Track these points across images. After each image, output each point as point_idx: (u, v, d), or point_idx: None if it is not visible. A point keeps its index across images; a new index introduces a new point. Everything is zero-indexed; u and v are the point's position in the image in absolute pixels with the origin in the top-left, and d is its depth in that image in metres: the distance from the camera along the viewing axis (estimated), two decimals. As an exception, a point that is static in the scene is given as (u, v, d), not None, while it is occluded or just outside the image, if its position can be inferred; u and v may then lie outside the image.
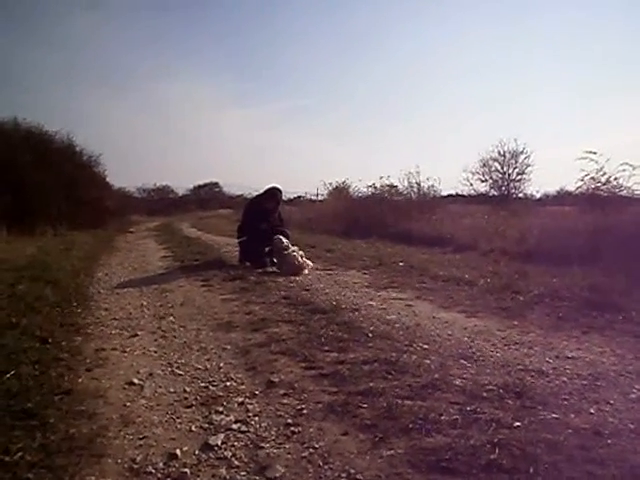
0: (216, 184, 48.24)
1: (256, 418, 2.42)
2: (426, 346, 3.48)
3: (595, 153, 9.47)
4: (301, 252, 7.16)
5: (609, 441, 2.07)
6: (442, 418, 2.28)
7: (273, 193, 7.88)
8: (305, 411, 2.46)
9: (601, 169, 9.54)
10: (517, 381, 2.76)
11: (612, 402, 2.50)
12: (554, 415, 2.31)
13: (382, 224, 12.71)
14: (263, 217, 7.67)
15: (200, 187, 47.98)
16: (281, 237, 7.21)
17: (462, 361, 3.17)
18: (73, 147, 17.92)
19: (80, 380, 2.98)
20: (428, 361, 3.14)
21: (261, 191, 8.16)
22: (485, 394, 2.57)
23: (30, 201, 13.43)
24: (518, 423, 2.21)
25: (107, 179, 21.04)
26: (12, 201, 12.76)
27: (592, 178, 9.83)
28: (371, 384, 2.73)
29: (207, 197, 45.91)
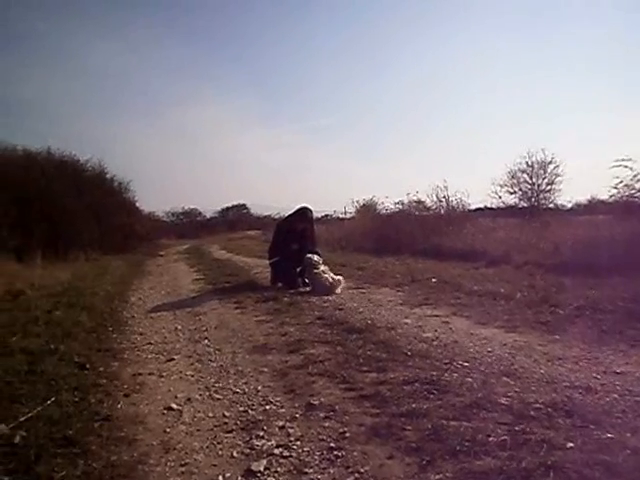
0: (243, 205, 48.60)
1: (298, 442, 2.39)
2: (466, 364, 3.41)
3: (630, 159, 9.26)
4: (327, 267, 7.15)
5: (670, 461, 1.97)
6: (490, 439, 2.21)
7: (303, 213, 7.90)
8: (348, 434, 2.42)
9: (636, 175, 9.30)
10: (565, 399, 2.67)
11: (669, 419, 2.39)
12: (609, 435, 2.21)
13: (412, 240, 12.57)
14: (294, 237, 7.66)
15: (228, 209, 48.38)
16: (311, 256, 7.20)
17: (505, 378, 3.08)
18: (104, 174, 18.37)
19: (119, 406, 3.01)
20: (470, 379, 3.07)
21: (291, 211, 8.17)
22: (533, 413, 2.48)
23: (63, 228, 13.74)
24: (571, 444, 2.12)
25: (137, 204, 21.44)
26: (47, 228, 13.07)
27: (626, 185, 9.60)
28: (414, 405, 2.68)
29: (235, 219, 46.18)
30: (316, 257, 7.23)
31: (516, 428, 2.31)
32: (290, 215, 8.19)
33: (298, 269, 7.47)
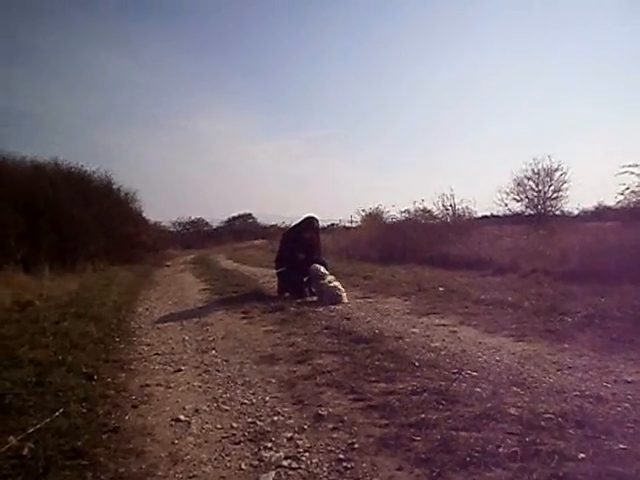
0: (250, 215, 48.68)
1: (307, 454, 2.37)
2: (475, 373, 3.39)
3: (637, 166, 9.23)
4: (333, 277, 7.14)
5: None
6: (500, 450, 2.19)
7: (310, 222, 7.91)
8: (356, 445, 2.40)
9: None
10: (576, 408, 2.65)
11: (682, 429, 2.36)
12: (621, 445, 2.18)
13: (418, 249, 12.55)
14: (301, 247, 7.68)
15: (234, 219, 48.47)
16: (318, 265, 7.20)
17: (514, 388, 3.06)
18: (111, 185, 18.45)
19: (127, 417, 3.00)
20: (479, 389, 3.05)
21: (297, 221, 8.18)
22: (543, 423, 2.46)
23: (71, 238, 13.81)
24: (583, 455, 2.10)
25: (143, 214, 21.49)
26: (55, 239, 13.14)
27: (633, 192, 9.58)
28: (422, 415, 2.65)
29: (241, 228, 46.25)
30: (322, 268, 7.22)
31: (526, 439, 2.28)
32: (296, 225, 8.20)
33: (305, 279, 7.47)
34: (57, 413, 2.91)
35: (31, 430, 2.66)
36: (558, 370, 3.43)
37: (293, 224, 8.57)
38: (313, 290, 7.38)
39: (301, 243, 7.73)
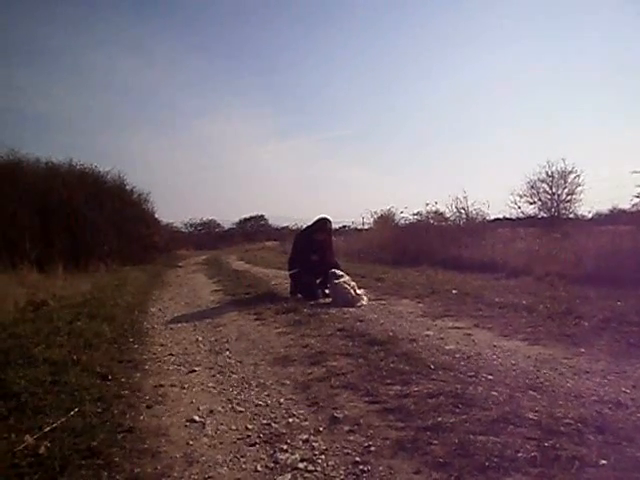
0: (262, 217, 48.88)
1: (322, 456, 2.36)
2: (491, 377, 3.36)
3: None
4: (353, 283, 7.11)
5: None
6: (519, 455, 2.16)
7: (323, 224, 7.87)
8: (373, 448, 2.39)
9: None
10: (595, 414, 2.61)
11: None
12: (643, 452, 2.14)
13: (431, 251, 12.49)
14: (313, 249, 7.68)
15: (246, 220, 48.71)
16: (335, 270, 7.20)
17: (531, 392, 3.03)
18: (124, 185, 18.69)
19: (141, 417, 3.01)
20: (495, 393, 3.01)
21: (310, 222, 8.16)
22: (562, 428, 2.42)
23: (84, 239, 13.97)
24: (604, 461, 2.07)
25: (156, 215, 21.64)
26: (68, 239, 13.26)
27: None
28: (439, 419, 2.63)
29: (253, 230, 46.48)
30: (339, 271, 7.21)
31: (545, 444, 2.25)
32: (309, 226, 8.16)
33: (318, 280, 7.47)
34: (72, 412, 2.92)
35: (47, 429, 2.68)
36: (575, 374, 3.38)
37: (305, 225, 8.54)
38: (327, 292, 7.37)
39: (314, 245, 7.72)
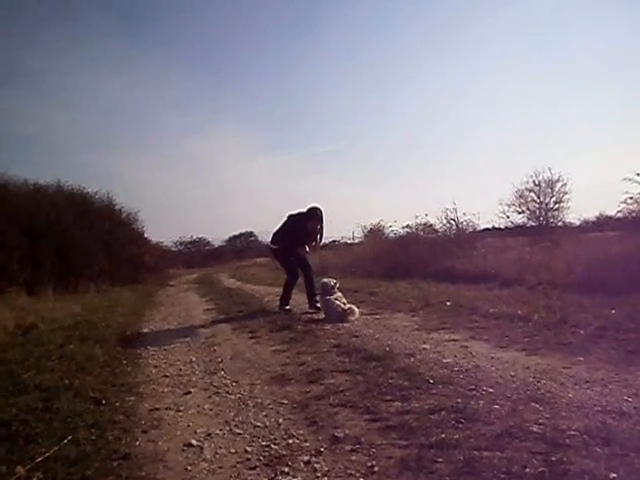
0: (251, 233, 48.69)
1: (325, 478, 2.30)
2: (491, 390, 3.32)
3: (639, 174, 9.26)
4: (340, 293, 7.12)
5: None
6: (527, 471, 2.12)
7: (314, 213, 7.82)
8: (376, 468, 2.33)
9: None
10: (599, 424, 2.57)
11: None
12: (652, 463, 2.10)
13: (422, 263, 12.48)
14: (302, 238, 7.91)
15: (235, 237, 48.58)
16: (327, 280, 7.17)
17: (533, 404, 2.99)
18: (112, 205, 18.59)
19: (137, 443, 2.93)
20: (497, 406, 2.98)
21: (303, 210, 7.99)
22: (568, 441, 2.38)
23: (73, 260, 13.85)
24: (614, 474, 2.02)
25: (145, 234, 21.52)
26: (57, 260, 13.15)
27: (636, 201, 9.59)
28: (442, 435, 2.58)
29: (243, 247, 46.33)
30: (332, 281, 7.18)
31: (552, 458, 2.21)
32: (301, 213, 7.98)
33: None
34: (66, 440, 2.84)
35: (39, 459, 2.59)
36: (576, 384, 3.35)
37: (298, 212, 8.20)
38: (318, 305, 7.45)
39: (302, 231, 7.86)
